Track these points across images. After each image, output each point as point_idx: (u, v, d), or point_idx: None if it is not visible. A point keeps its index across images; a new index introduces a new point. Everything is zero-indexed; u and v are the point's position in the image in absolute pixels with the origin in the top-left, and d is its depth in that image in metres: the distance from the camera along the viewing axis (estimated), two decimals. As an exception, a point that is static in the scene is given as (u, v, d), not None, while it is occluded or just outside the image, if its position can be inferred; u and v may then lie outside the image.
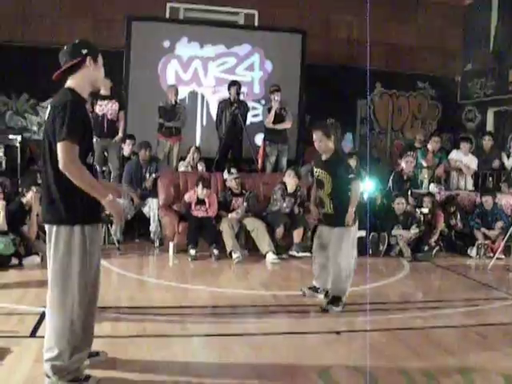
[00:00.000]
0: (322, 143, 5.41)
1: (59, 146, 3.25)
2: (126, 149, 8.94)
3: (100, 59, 3.57)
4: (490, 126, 12.11)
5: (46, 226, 3.46)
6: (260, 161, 9.70)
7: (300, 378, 3.78)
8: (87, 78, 3.49)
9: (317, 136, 5.41)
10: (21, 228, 6.78)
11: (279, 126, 9.54)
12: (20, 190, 7.42)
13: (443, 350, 4.38)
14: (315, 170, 5.60)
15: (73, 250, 3.36)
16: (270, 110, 9.53)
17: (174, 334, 4.51)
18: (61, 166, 3.25)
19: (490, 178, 10.05)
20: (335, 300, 5.32)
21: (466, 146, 10.21)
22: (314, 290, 5.74)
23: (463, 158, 10.11)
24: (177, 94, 9.38)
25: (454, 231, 8.87)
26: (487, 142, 10.34)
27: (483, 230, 8.62)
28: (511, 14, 11.47)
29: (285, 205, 7.99)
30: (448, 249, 8.69)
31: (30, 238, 6.78)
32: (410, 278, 7.04)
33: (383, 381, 3.75)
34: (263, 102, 10.53)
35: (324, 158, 5.51)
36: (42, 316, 4.43)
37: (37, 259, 6.52)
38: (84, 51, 3.46)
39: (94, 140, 8.46)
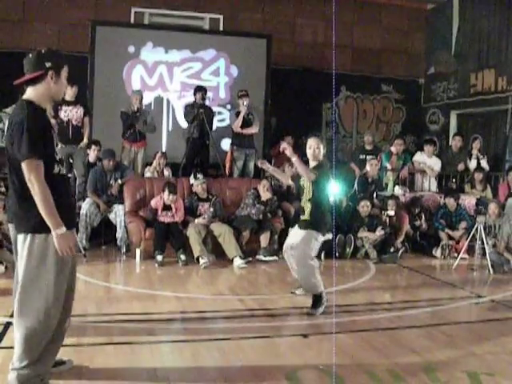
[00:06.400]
0: (318, 150, 5.46)
1: (23, 165, 3.18)
2: (92, 155, 8.86)
3: (64, 72, 3.44)
4: (453, 129, 12.33)
5: (20, 236, 3.32)
6: (228, 165, 9.70)
7: (268, 381, 3.79)
8: (47, 92, 3.39)
9: (314, 142, 5.47)
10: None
11: (247, 131, 9.56)
12: (-17, 198, 7.28)
13: (409, 349, 4.44)
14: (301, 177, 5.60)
15: (48, 258, 3.28)
16: (238, 114, 9.54)
17: (142, 340, 4.47)
18: (27, 182, 3.19)
19: (454, 180, 10.22)
20: (316, 301, 5.34)
21: (430, 148, 10.41)
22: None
23: (427, 160, 10.28)
24: (141, 99, 9.28)
25: (419, 232, 9.01)
26: (457, 142, 10.51)
27: (447, 230, 8.76)
28: (472, 18, 11.72)
29: (253, 211, 8.00)
30: (413, 250, 8.84)
31: (-7, 247, 6.68)
32: (377, 279, 7.11)
33: (350, 382, 3.77)
34: (229, 106, 10.56)
35: (310, 165, 5.53)
36: (6, 326, 4.37)
37: (1, 268, 6.41)
38: (47, 64, 3.34)
39: (59, 147, 8.45)
